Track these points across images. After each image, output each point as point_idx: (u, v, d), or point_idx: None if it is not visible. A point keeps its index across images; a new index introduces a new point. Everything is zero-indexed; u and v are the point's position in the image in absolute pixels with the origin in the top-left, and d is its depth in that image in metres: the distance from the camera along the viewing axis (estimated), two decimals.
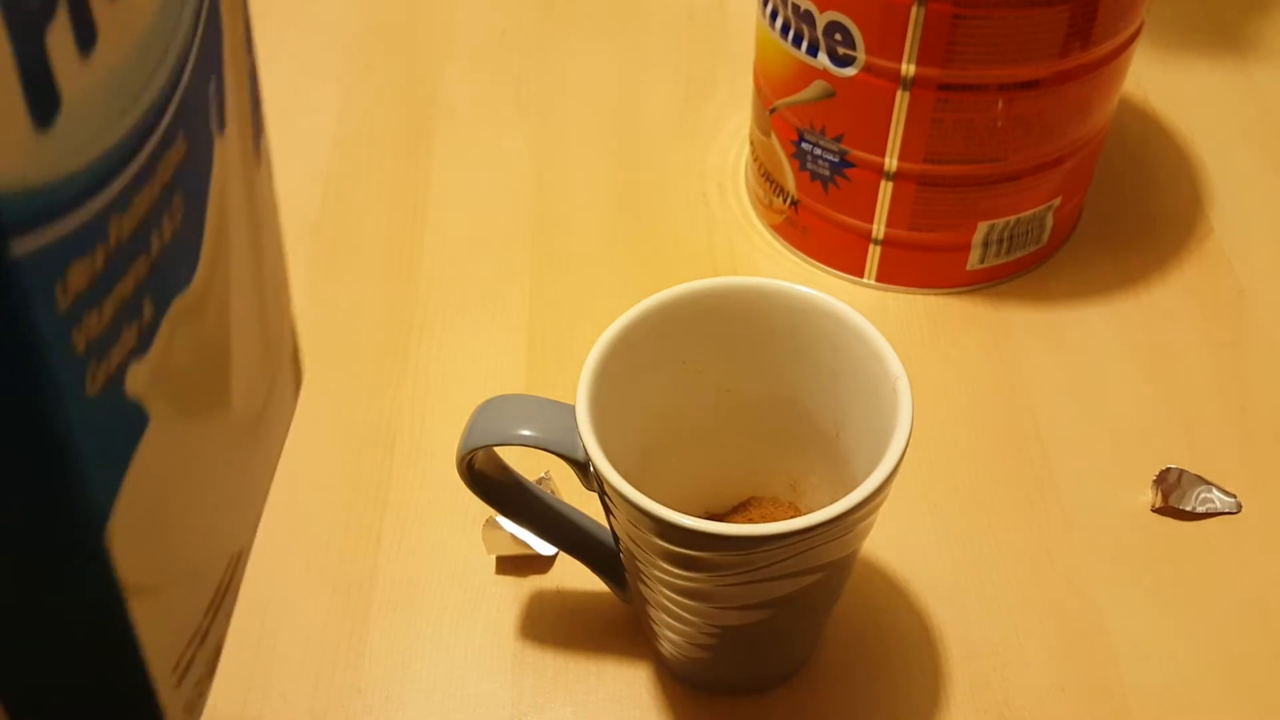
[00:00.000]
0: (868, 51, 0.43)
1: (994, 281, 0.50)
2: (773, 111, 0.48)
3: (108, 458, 0.18)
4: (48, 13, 0.15)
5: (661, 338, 0.35)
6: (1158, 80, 0.59)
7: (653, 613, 0.36)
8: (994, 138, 0.44)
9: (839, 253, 0.50)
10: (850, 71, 0.44)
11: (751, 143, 0.53)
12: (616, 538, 0.34)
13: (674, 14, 0.64)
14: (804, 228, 0.51)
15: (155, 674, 0.21)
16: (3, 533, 0.17)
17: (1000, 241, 0.48)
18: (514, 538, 0.40)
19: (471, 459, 0.34)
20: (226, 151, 0.22)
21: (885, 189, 0.47)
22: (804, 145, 0.48)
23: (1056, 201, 0.48)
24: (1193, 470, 0.43)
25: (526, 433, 0.33)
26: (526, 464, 0.38)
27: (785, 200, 0.51)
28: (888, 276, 0.50)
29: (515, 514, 0.36)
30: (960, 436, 0.45)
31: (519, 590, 0.41)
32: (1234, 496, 0.42)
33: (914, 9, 0.41)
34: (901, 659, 0.39)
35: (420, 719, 0.38)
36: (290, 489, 0.43)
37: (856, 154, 0.46)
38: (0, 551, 0.18)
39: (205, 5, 0.21)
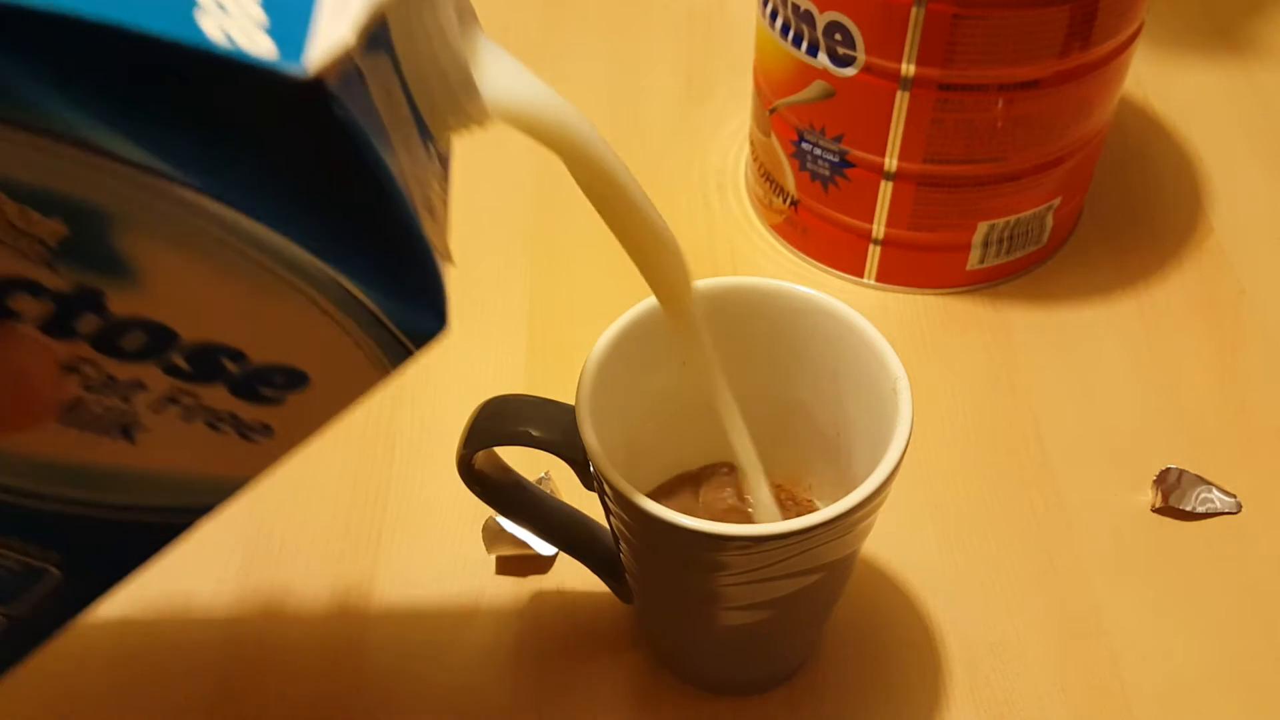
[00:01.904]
0: (868, 51, 0.43)
1: (994, 281, 0.50)
2: (773, 111, 0.48)
3: None
4: None
5: (661, 338, 0.35)
6: (1158, 80, 0.59)
7: (653, 613, 0.36)
8: (994, 138, 0.44)
9: (839, 253, 0.50)
10: (850, 71, 0.44)
11: (751, 143, 0.53)
12: (616, 538, 0.34)
13: (674, 14, 0.64)
14: (804, 228, 0.51)
15: None
16: None
17: (1000, 241, 0.48)
18: (514, 538, 0.40)
19: (471, 459, 0.34)
20: None
21: (885, 189, 0.47)
22: (804, 145, 0.48)
23: (1056, 201, 0.48)
24: (1193, 470, 0.43)
25: (527, 432, 0.33)
26: (526, 464, 0.38)
27: (785, 200, 0.51)
28: (888, 276, 0.50)
29: (515, 514, 0.36)
30: (960, 436, 0.45)
31: (519, 590, 0.41)
32: (1234, 496, 0.42)
33: (914, 9, 0.41)
34: (901, 659, 0.39)
35: (420, 719, 0.38)
36: (290, 489, 0.43)
37: (856, 154, 0.46)
38: None
39: None
